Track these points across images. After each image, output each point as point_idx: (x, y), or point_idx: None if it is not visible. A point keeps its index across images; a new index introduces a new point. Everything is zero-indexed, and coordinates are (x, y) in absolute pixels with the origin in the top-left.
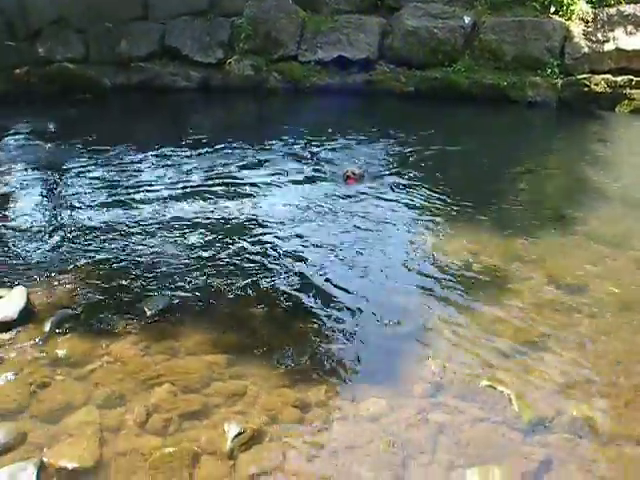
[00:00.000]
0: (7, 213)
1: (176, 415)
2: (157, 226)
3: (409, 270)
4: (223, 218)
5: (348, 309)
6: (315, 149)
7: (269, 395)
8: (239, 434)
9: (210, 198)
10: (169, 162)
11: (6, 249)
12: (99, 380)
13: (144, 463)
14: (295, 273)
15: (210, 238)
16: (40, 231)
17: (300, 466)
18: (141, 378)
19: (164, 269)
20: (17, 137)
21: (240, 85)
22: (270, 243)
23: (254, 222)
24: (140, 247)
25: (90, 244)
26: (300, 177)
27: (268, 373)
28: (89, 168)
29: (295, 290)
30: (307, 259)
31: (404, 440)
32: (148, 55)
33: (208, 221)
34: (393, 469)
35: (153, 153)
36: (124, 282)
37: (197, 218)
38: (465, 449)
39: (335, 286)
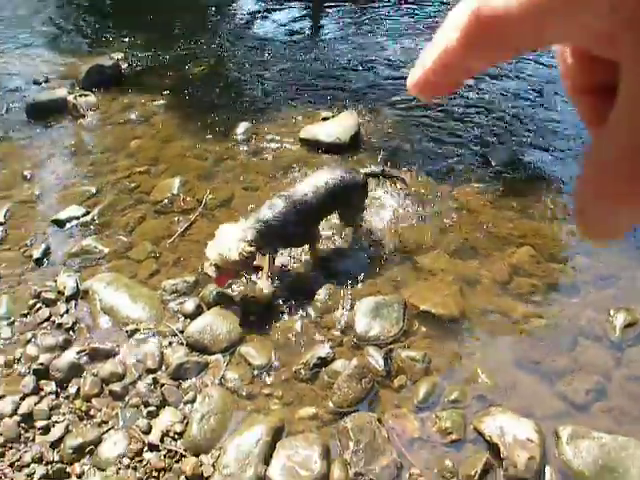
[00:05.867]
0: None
1: (542, 283)
2: None
3: None
4: None
5: None
6: None
7: None
8: (629, 325)
9: None
10: None
11: (323, 75)
12: (447, 225)
13: (509, 326)
14: None
15: None
16: (353, 61)
17: None
18: (495, 233)
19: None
20: None
21: None
22: None
23: None
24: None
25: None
26: None
27: None
28: None
29: None
30: None
31: None
32: None
33: None
34: None
35: None
36: (454, 125)
37: None
38: None
39: None
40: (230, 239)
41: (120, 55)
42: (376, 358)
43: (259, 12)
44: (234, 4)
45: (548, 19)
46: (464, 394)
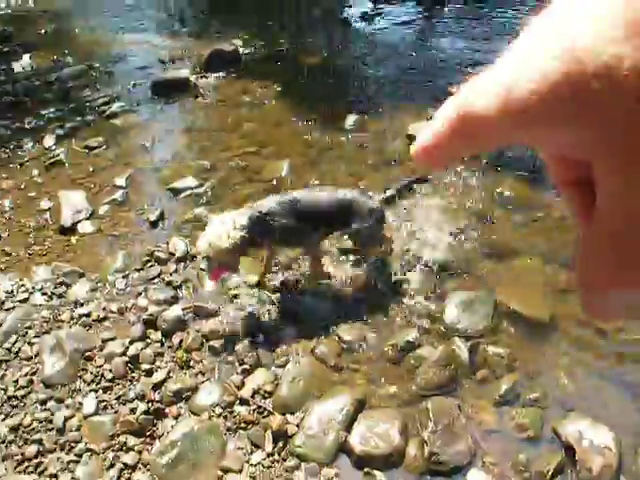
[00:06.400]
0: None
1: None
2: None
3: None
4: None
5: None
6: None
7: None
8: None
9: None
10: None
11: (431, 75)
12: (546, 232)
13: (598, 337)
14: None
15: None
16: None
17: None
18: None
19: None
20: None
21: None
22: None
23: None
24: None
25: None
26: None
27: None
28: None
29: None
30: None
31: None
32: None
33: None
34: None
35: None
36: None
37: None
38: None
39: None
40: (221, 227)
41: (239, 42)
42: (462, 349)
43: (370, 11)
44: (346, 3)
45: (518, 129)
46: (545, 395)
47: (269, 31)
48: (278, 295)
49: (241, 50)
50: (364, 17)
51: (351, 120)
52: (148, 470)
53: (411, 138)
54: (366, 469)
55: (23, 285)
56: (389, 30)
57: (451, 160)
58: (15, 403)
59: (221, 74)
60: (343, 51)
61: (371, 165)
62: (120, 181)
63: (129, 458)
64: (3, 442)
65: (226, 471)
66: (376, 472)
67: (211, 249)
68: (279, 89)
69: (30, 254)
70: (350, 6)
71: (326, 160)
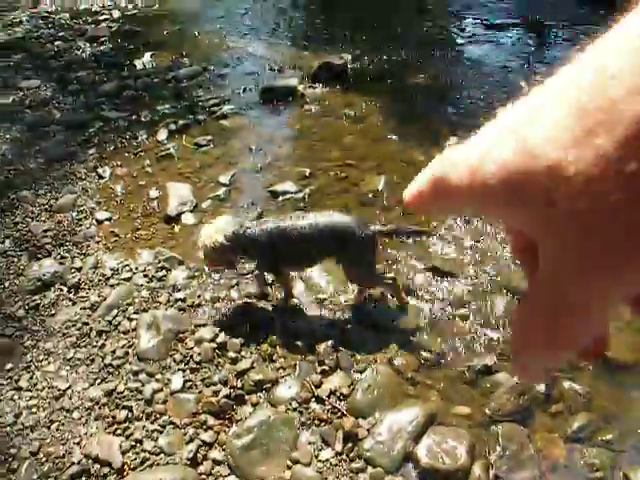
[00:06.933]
0: None
1: None
2: None
3: None
4: None
5: None
6: None
7: None
8: None
9: None
10: None
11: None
12: None
13: None
14: None
15: None
16: None
17: None
18: None
19: None
20: None
21: None
22: None
23: None
24: None
25: None
26: None
27: None
28: None
29: None
30: None
31: None
32: None
33: None
34: None
35: None
36: None
37: None
38: None
39: None
40: (213, 228)
41: (348, 56)
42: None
43: (478, 34)
44: (454, 24)
45: (480, 204)
46: (621, 439)
47: (378, 47)
48: (364, 305)
49: (350, 64)
50: (472, 39)
51: (453, 142)
52: (224, 450)
53: None
54: None
55: (127, 265)
56: (496, 54)
57: (436, 212)
58: (111, 370)
59: (328, 86)
60: (449, 73)
61: None
62: (224, 179)
63: (207, 436)
64: (97, 403)
65: (295, 462)
66: None
67: (200, 243)
68: (383, 105)
69: (136, 237)
70: (461, 29)
71: None
